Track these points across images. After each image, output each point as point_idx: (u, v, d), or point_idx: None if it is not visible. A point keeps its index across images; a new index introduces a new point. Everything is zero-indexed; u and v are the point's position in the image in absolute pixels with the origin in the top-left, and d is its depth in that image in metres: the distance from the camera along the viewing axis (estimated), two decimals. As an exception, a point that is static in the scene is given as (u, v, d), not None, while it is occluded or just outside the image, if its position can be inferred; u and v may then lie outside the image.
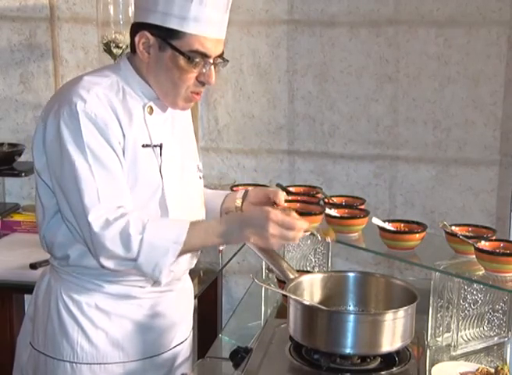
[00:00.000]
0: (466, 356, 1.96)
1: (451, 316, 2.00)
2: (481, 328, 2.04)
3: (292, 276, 1.81)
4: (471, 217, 2.99)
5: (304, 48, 3.17)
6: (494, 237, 2.02)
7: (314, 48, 3.16)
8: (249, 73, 3.23)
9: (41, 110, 1.83)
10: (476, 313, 2.01)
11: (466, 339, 2.00)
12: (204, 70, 1.78)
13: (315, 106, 3.21)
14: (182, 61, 1.75)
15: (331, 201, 2.28)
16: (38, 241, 1.90)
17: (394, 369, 1.71)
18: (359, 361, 1.73)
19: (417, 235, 2.06)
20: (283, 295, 2.23)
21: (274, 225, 1.68)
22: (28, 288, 2.18)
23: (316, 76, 3.18)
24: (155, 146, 1.81)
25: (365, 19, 3.10)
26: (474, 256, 1.92)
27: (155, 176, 1.81)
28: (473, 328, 2.01)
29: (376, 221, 2.10)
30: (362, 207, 2.28)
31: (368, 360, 1.73)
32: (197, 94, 1.83)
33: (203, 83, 1.80)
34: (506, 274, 1.87)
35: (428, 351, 1.95)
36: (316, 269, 2.43)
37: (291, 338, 1.79)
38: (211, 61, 1.78)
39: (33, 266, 2.67)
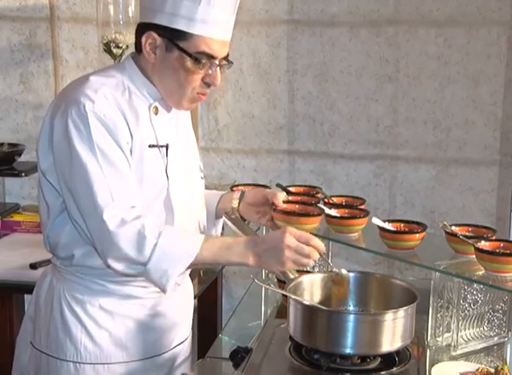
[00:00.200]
0: (466, 356, 1.96)
1: (451, 316, 2.00)
2: (481, 328, 2.04)
3: (292, 276, 1.81)
4: (471, 217, 2.99)
5: (304, 48, 3.17)
6: (494, 237, 2.01)
7: (314, 48, 3.16)
8: (249, 73, 3.23)
9: (42, 110, 1.84)
10: (476, 313, 2.01)
11: (466, 339, 2.00)
12: (210, 72, 1.78)
13: (315, 106, 3.21)
14: (189, 62, 1.75)
15: (331, 201, 2.28)
16: (38, 241, 1.90)
17: (394, 369, 1.71)
18: (359, 361, 1.73)
19: (417, 235, 2.06)
20: (283, 295, 2.23)
21: (289, 250, 1.69)
22: (28, 288, 2.18)
23: (316, 76, 3.18)
24: (161, 146, 1.81)
25: (365, 19, 3.10)
26: (474, 256, 1.92)
27: (161, 177, 1.81)
28: (473, 328, 2.01)
29: (376, 221, 2.10)
30: (362, 207, 2.27)
31: (368, 360, 1.73)
32: (203, 94, 1.83)
33: (208, 85, 1.81)
34: (506, 274, 1.87)
35: (428, 351, 1.95)
36: (316, 269, 2.43)
37: (291, 338, 1.79)
38: (217, 62, 1.78)
39: (33, 266, 2.67)
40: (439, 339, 2.02)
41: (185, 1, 1.72)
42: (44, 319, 1.87)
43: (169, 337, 1.93)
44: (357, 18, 3.10)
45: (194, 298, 2.17)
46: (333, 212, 2.17)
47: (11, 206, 3.30)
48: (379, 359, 1.74)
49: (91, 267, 1.80)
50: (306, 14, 3.14)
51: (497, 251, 1.90)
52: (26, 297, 2.72)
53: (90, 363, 1.83)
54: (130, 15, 2.98)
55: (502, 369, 1.75)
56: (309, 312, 1.73)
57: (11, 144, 3.21)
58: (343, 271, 1.86)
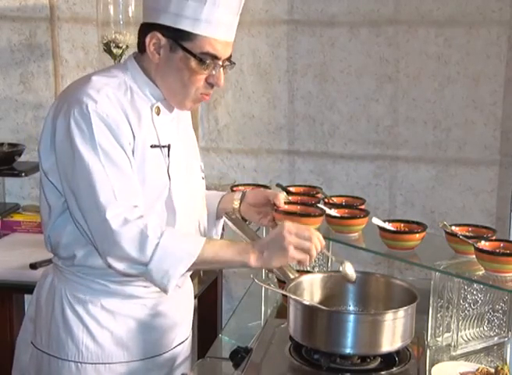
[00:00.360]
0: (466, 356, 1.96)
1: (451, 316, 2.00)
2: (481, 328, 2.04)
3: (292, 276, 1.81)
4: (471, 217, 2.99)
5: (304, 48, 3.17)
6: (494, 237, 2.02)
7: (314, 48, 3.16)
8: (249, 73, 3.23)
9: (42, 110, 1.84)
10: (476, 313, 2.01)
11: (466, 339, 2.00)
12: (213, 72, 1.78)
13: (315, 106, 3.21)
14: (193, 63, 1.75)
15: (331, 201, 2.28)
16: (38, 241, 1.90)
17: (394, 369, 1.71)
18: (359, 361, 1.73)
19: (417, 235, 2.06)
20: (283, 295, 2.23)
21: (289, 235, 1.69)
22: (28, 288, 2.19)
23: (316, 76, 3.18)
24: (163, 147, 1.81)
25: (365, 19, 3.10)
26: (474, 256, 1.92)
27: (163, 177, 1.81)
28: (473, 328, 2.01)
29: (376, 221, 2.10)
30: (362, 207, 2.28)
31: (368, 360, 1.73)
32: (207, 95, 1.83)
33: (212, 85, 1.81)
34: (506, 274, 1.87)
35: (428, 351, 1.95)
36: (316, 269, 2.43)
37: (291, 338, 1.79)
38: (221, 63, 1.78)
39: (33, 266, 2.67)
40: (439, 339, 2.02)
41: (190, 1, 1.71)
42: (45, 319, 1.87)
43: (170, 336, 1.93)
44: (357, 18, 3.10)
45: (194, 298, 2.17)
46: (333, 212, 2.17)
47: (11, 206, 3.31)
48: (379, 359, 1.74)
49: (93, 267, 1.80)
50: (306, 14, 3.14)
51: (497, 251, 1.91)
52: (26, 297, 2.73)
53: (92, 363, 1.83)
54: (130, 15, 2.99)
55: (502, 369, 1.75)
56: (309, 312, 1.73)
57: (11, 144, 3.21)
58: (347, 264, 1.83)
